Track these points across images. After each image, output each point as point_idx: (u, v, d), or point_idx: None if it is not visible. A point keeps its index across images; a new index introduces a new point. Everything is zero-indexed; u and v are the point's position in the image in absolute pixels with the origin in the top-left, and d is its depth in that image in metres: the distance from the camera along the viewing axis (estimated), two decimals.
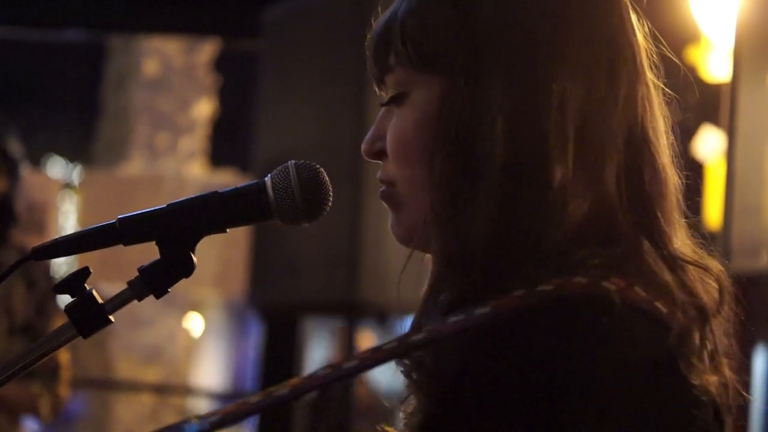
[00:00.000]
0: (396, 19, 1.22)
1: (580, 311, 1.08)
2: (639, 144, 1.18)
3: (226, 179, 7.01)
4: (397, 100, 1.22)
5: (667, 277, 1.14)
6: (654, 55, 1.24)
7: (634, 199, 1.17)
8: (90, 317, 1.19)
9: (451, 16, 1.18)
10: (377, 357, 1.09)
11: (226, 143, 8.04)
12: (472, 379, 1.08)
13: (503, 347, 1.08)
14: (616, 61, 1.19)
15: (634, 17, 1.22)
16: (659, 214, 1.18)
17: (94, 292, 1.19)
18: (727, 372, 1.16)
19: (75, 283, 1.19)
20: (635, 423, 1.07)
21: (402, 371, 1.15)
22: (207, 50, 8.07)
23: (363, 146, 1.24)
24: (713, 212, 4.10)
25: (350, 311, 3.64)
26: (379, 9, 1.28)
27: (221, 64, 8.11)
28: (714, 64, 4.83)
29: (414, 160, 1.19)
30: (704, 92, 4.22)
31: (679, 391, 1.10)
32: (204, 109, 8.13)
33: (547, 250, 1.12)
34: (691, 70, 4.52)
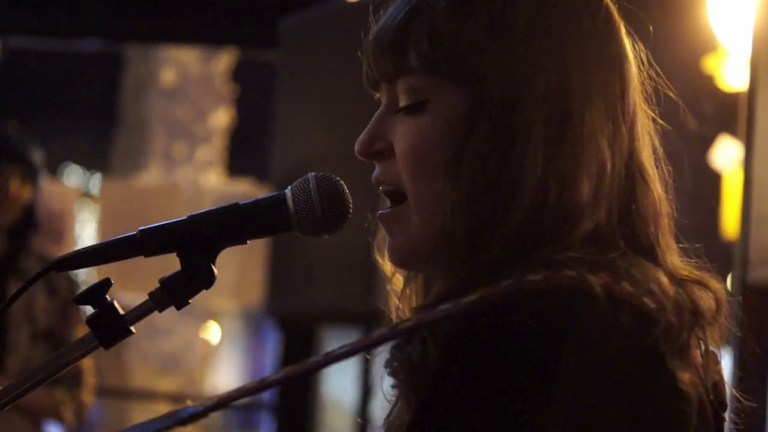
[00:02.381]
0: (420, 18, 1.20)
1: (564, 300, 1.09)
2: (635, 172, 1.21)
3: (244, 188, 7.02)
4: (412, 108, 1.21)
5: (663, 280, 1.16)
6: (647, 84, 1.27)
7: (629, 223, 1.19)
8: (111, 328, 1.20)
9: (486, 28, 1.18)
10: (367, 342, 1.10)
11: (244, 152, 8.06)
12: (457, 368, 1.09)
13: (488, 335, 1.09)
14: (627, 91, 1.22)
15: (630, 45, 1.25)
16: (654, 236, 1.20)
17: (116, 303, 1.20)
18: (720, 371, 1.18)
19: (96, 294, 1.20)
20: (617, 409, 1.09)
21: (390, 372, 1.15)
22: (224, 60, 8.09)
23: (357, 146, 1.24)
24: (731, 222, 4.09)
25: (367, 320, 3.64)
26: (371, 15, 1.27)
27: (238, 73, 8.13)
28: (731, 73, 4.82)
29: (431, 172, 1.19)
30: (722, 101, 4.20)
31: (662, 382, 1.12)
32: (221, 118, 8.15)
33: (538, 254, 1.14)
34: (709, 80, 4.52)
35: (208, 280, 1.21)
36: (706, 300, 1.19)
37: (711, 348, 1.19)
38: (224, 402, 1.09)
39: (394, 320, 1.29)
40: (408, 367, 1.13)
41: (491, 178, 1.16)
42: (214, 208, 1.22)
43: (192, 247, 1.21)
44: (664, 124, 1.29)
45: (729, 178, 4.84)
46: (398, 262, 1.25)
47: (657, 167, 1.24)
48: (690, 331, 1.15)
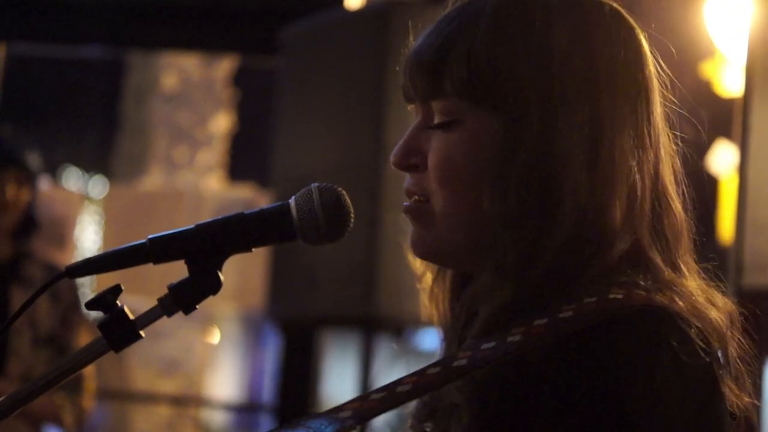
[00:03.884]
0: (456, 46, 1.25)
1: (654, 321, 1.16)
2: (660, 194, 1.28)
3: (245, 193, 7.05)
4: (447, 126, 1.27)
5: (701, 300, 1.23)
6: (669, 107, 1.33)
7: (660, 242, 1.26)
8: (122, 333, 1.24)
9: (524, 60, 1.24)
10: (483, 357, 1.15)
11: (245, 157, 8.08)
12: (551, 383, 1.14)
13: (584, 354, 1.15)
14: (653, 115, 1.28)
15: (654, 68, 1.31)
16: (677, 255, 1.27)
17: (126, 309, 1.24)
18: (743, 393, 1.24)
19: (107, 299, 1.24)
20: (700, 425, 1.15)
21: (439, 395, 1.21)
22: (225, 65, 8.12)
23: (393, 158, 1.29)
24: (728, 228, 4.11)
25: (367, 325, 3.67)
26: (410, 26, 1.32)
27: (240, 78, 8.15)
28: (729, 78, 4.85)
29: (461, 184, 1.25)
30: (719, 107, 4.22)
31: (723, 400, 1.19)
32: (222, 123, 8.18)
33: (589, 276, 1.21)
34: (706, 85, 4.53)
35: (215, 287, 1.25)
36: (717, 318, 1.24)
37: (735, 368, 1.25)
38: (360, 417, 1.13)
39: (433, 320, 1.35)
40: (475, 385, 1.18)
41: (535, 200, 1.22)
42: (220, 217, 1.26)
43: (199, 254, 1.24)
44: (683, 135, 1.35)
45: (726, 183, 4.86)
46: (419, 253, 1.30)
47: (677, 185, 1.31)
48: (725, 353, 1.23)
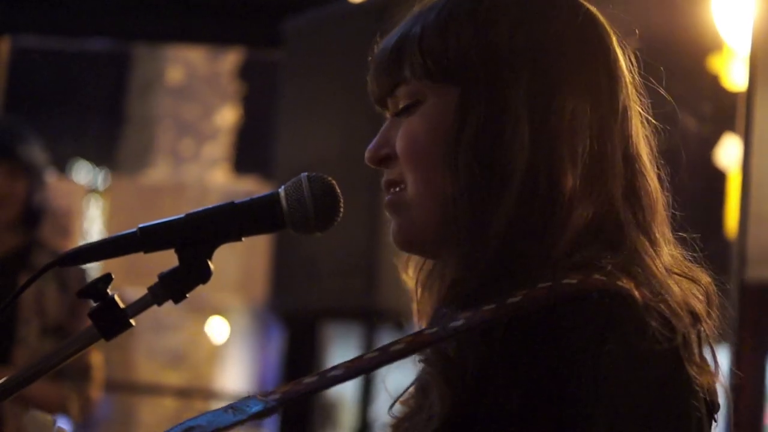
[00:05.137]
0: (410, 36, 1.29)
1: (605, 305, 1.15)
2: (632, 162, 1.27)
3: (249, 186, 7.07)
4: (410, 108, 1.28)
5: (668, 282, 1.22)
6: (641, 90, 1.32)
7: (634, 213, 1.25)
8: (112, 321, 1.24)
9: (471, 33, 1.26)
10: (422, 340, 1.16)
11: (250, 150, 8.10)
12: (499, 368, 1.14)
13: (531, 337, 1.14)
14: (614, 86, 1.28)
15: (619, 49, 1.31)
16: (653, 227, 1.25)
17: (116, 297, 1.24)
18: (717, 373, 1.23)
19: (98, 288, 1.24)
20: (650, 412, 1.14)
21: (423, 360, 1.20)
22: (231, 59, 8.13)
23: (367, 153, 1.31)
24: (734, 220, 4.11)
25: (369, 317, 3.68)
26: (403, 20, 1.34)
27: (245, 72, 8.17)
28: (736, 72, 4.84)
29: (426, 164, 1.26)
30: (726, 100, 4.21)
31: (685, 386, 1.18)
32: (227, 116, 8.19)
33: (555, 251, 1.20)
34: (713, 79, 4.53)
35: (205, 275, 1.25)
36: (695, 296, 1.24)
37: (705, 348, 1.24)
38: (287, 397, 1.14)
39: (414, 307, 1.35)
40: (443, 359, 1.18)
41: (484, 165, 1.22)
42: (210, 206, 1.27)
43: (189, 243, 1.25)
44: (664, 124, 1.35)
45: (734, 176, 4.85)
46: (399, 245, 1.31)
47: (652, 163, 1.30)
48: (696, 335, 1.21)
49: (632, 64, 1.32)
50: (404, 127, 1.28)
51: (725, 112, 3.89)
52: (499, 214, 1.21)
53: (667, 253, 1.27)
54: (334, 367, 1.17)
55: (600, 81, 1.27)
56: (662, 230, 1.28)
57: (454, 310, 1.19)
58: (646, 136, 1.31)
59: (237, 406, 1.16)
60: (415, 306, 1.35)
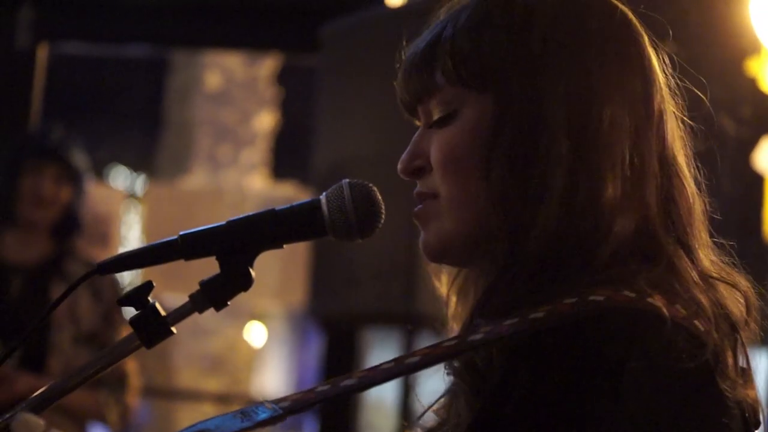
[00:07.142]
0: (441, 41, 1.26)
1: (628, 323, 1.13)
2: (669, 169, 1.25)
3: (287, 191, 7.07)
4: (445, 119, 1.26)
5: (702, 295, 1.19)
6: (677, 91, 1.30)
7: (670, 219, 1.23)
8: (153, 328, 1.24)
9: (504, 38, 1.24)
10: (438, 354, 1.15)
11: (288, 155, 8.11)
12: (523, 384, 1.12)
13: (553, 354, 1.13)
14: (650, 90, 1.25)
15: (652, 50, 1.29)
16: (691, 232, 1.23)
17: (157, 305, 1.24)
18: (756, 388, 1.21)
19: (139, 296, 1.24)
20: (672, 430, 1.12)
21: (450, 371, 1.19)
22: (268, 63, 8.15)
23: (400, 165, 1.29)
24: None
25: (408, 322, 3.67)
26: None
27: (283, 76, 8.18)
28: None
29: (463, 175, 1.24)
30: (764, 104, 4.17)
31: (714, 403, 1.15)
32: (265, 121, 8.21)
33: (594, 264, 1.18)
34: (751, 82, 4.49)
35: (246, 283, 1.24)
36: (735, 301, 1.22)
37: (744, 362, 1.22)
38: (298, 406, 1.13)
39: (449, 314, 1.33)
40: (472, 371, 1.17)
41: (520, 176, 1.20)
42: (251, 213, 1.26)
43: (230, 251, 1.24)
44: (701, 126, 1.32)
45: None
46: (430, 255, 1.29)
47: (689, 166, 1.28)
48: (733, 347, 1.19)
49: (665, 65, 1.30)
50: (440, 138, 1.26)
51: (763, 115, 3.86)
52: (538, 227, 1.19)
53: (704, 257, 1.24)
54: (347, 377, 1.15)
55: (635, 85, 1.24)
56: (699, 235, 1.26)
57: (487, 320, 1.17)
58: (682, 137, 1.29)
59: (246, 411, 1.15)
60: (448, 311, 1.34)
